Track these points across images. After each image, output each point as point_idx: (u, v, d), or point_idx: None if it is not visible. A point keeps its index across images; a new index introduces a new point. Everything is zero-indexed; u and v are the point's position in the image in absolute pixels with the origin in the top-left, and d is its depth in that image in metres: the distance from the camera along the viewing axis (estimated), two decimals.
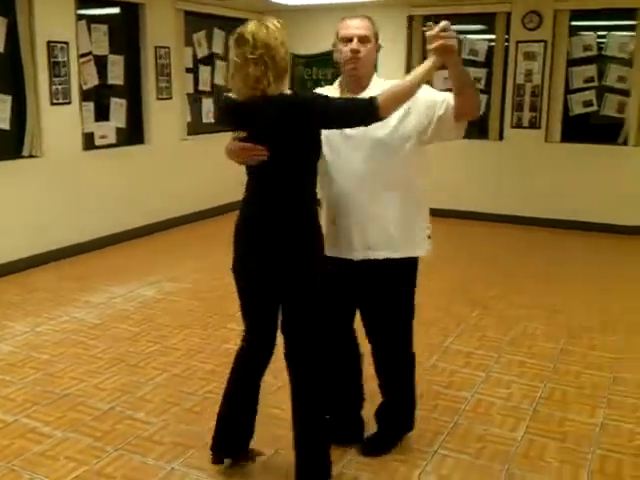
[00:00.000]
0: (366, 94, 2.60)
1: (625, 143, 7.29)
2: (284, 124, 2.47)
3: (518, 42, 7.50)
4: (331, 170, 2.73)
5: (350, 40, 2.67)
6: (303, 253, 2.59)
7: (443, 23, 2.43)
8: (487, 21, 7.75)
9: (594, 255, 6.56)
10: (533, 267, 6.09)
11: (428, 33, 2.43)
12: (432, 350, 4.16)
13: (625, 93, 7.25)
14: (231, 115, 2.70)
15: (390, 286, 2.83)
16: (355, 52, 2.66)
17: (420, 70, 2.46)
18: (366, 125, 2.52)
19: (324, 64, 8.46)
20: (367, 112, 2.44)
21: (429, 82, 2.71)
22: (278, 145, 2.51)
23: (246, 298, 2.73)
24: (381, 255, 2.77)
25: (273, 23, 2.49)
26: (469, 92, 2.55)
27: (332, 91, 2.77)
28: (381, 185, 2.73)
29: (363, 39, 2.67)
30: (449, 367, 3.94)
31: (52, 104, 5.94)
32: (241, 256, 2.66)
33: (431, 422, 3.31)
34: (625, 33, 7.26)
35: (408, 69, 8.06)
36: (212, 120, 8.20)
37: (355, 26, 2.68)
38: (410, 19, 7.98)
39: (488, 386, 3.70)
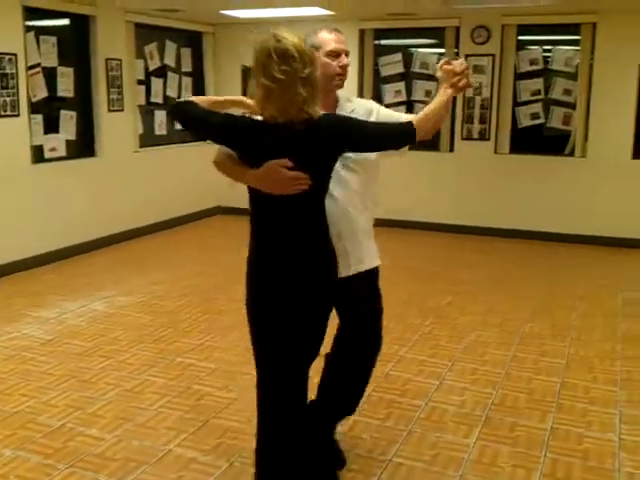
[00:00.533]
0: (341, 109, 2.66)
1: (572, 154, 7.49)
2: (329, 148, 2.37)
3: (467, 56, 7.63)
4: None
5: (338, 55, 2.68)
6: (328, 279, 2.50)
7: (465, 63, 2.54)
8: (437, 35, 7.90)
9: (544, 263, 6.70)
10: (486, 276, 6.20)
11: (450, 68, 2.51)
12: (387, 359, 4.17)
13: (571, 106, 7.46)
14: (264, 139, 2.33)
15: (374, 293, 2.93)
16: (345, 67, 2.69)
17: (444, 99, 2.49)
18: (399, 148, 2.53)
19: None
20: (405, 135, 2.44)
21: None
22: (318, 171, 2.37)
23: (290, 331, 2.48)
24: (368, 266, 2.83)
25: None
26: (443, 119, 2.58)
27: None
28: (368, 200, 2.81)
29: (347, 54, 2.73)
30: (403, 376, 3.98)
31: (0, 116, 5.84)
32: (275, 291, 2.44)
33: (385, 431, 3.33)
34: (570, 47, 7.47)
35: (360, 83, 8.17)
36: (164, 132, 8.16)
37: (341, 41, 2.71)
38: (362, 33, 8.07)
39: (442, 394, 3.74)
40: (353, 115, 2.56)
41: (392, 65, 8.13)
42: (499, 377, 3.97)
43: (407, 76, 8.10)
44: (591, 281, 6.04)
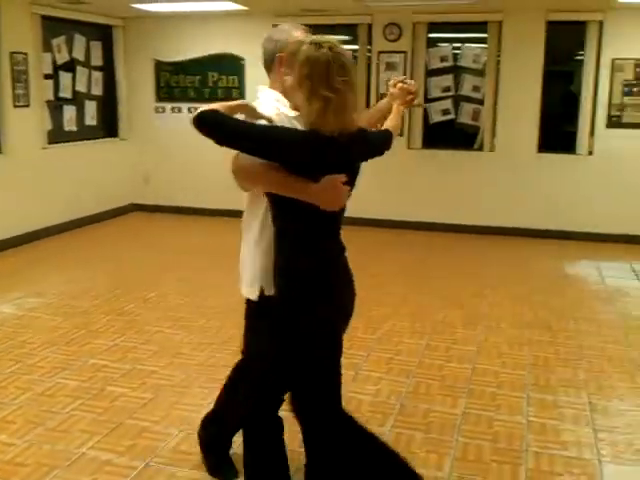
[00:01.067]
0: None
1: (481, 149, 7.74)
2: (364, 159, 2.39)
3: (380, 52, 7.78)
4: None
5: None
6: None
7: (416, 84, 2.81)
8: (350, 32, 7.98)
9: (456, 254, 6.90)
10: (399, 267, 6.33)
11: (406, 87, 2.75)
12: None
13: (479, 102, 7.70)
14: (323, 151, 2.20)
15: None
16: None
17: (400, 115, 2.69)
18: (382, 154, 2.56)
19: (191, 71, 8.40)
20: (389, 142, 2.54)
21: None
22: (353, 182, 2.34)
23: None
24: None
25: None
26: None
27: (284, 109, 2.36)
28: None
29: None
30: None
31: None
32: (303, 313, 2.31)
33: None
34: (478, 45, 7.70)
35: None
36: (74, 128, 7.92)
37: None
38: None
39: (357, 384, 3.81)
40: None
41: None
42: (413, 365, 4.07)
43: None
44: (500, 270, 6.27)
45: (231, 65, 8.29)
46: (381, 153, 2.54)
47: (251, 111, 2.30)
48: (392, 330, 4.68)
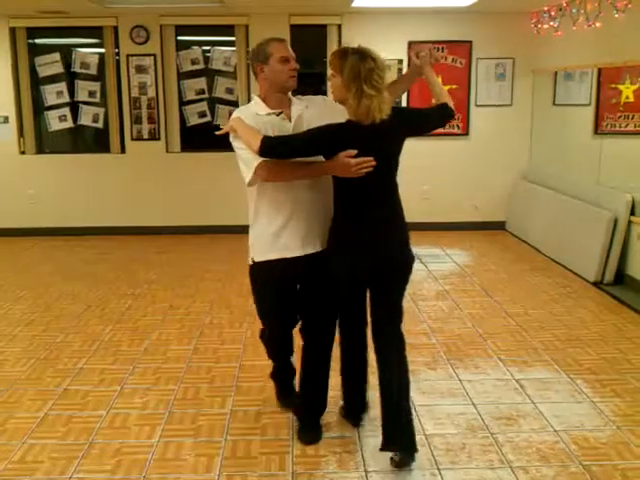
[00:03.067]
0: (295, 105, 3.11)
1: None
2: (397, 136, 2.99)
3: (129, 55, 7.57)
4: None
5: (288, 60, 3.05)
6: None
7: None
8: (97, 34, 7.68)
9: (222, 255, 6.93)
10: (166, 274, 6.23)
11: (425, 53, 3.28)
12: (64, 374, 3.99)
13: (234, 104, 7.82)
14: (358, 136, 2.85)
15: None
16: (295, 70, 3.08)
17: (434, 76, 3.30)
18: (444, 125, 3.22)
19: None
20: (450, 115, 3.12)
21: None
22: (390, 155, 2.99)
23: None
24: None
25: None
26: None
27: (256, 108, 3.08)
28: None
29: (295, 59, 3.11)
30: (83, 388, 3.83)
31: None
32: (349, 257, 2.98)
33: (64, 449, 3.17)
34: (228, 48, 7.81)
35: (17, 84, 7.65)
36: None
37: (288, 48, 3.10)
38: (12, 31, 7.53)
39: (124, 399, 3.68)
40: (309, 109, 3.11)
41: (50, 65, 7.72)
42: (181, 372, 4.03)
43: (68, 76, 7.76)
44: None
45: None
46: (438, 125, 3.17)
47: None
48: (159, 339, 4.59)
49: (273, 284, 3.21)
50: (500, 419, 3.42)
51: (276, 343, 3.53)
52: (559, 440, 3.21)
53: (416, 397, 3.66)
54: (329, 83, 3.15)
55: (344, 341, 3.30)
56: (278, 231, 3.10)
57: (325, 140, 2.85)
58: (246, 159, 2.96)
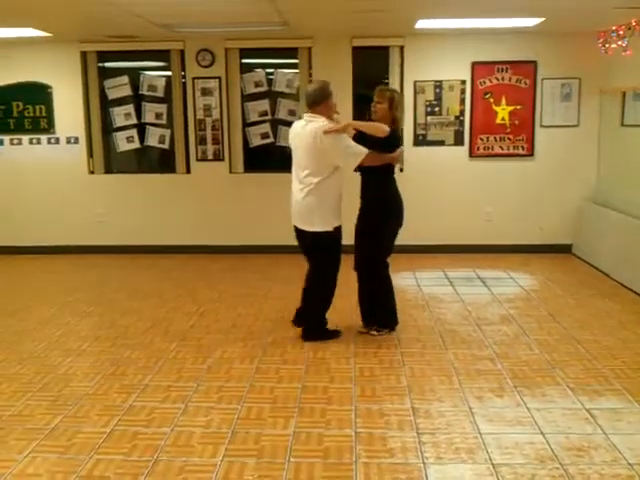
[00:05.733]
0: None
1: None
2: None
3: (194, 78, 7.75)
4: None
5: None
6: None
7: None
8: (163, 57, 7.88)
9: (286, 274, 6.96)
10: (229, 293, 6.29)
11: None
12: (130, 390, 4.06)
13: None
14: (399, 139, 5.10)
15: None
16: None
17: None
18: None
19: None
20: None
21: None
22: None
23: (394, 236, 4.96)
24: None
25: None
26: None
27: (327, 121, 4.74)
28: None
29: None
30: (148, 405, 3.88)
31: None
32: (401, 212, 4.91)
33: (129, 465, 3.20)
34: (290, 70, 7.90)
35: (87, 106, 7.90)
36: None
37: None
38: (84, 55, 7.80)
39: (187, 417, 3.71)
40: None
41: (119, 88, 7.95)
42: (244, 391, 4.04)
43: (136, 98, 7.98)
44: None
45: (37, 93, 7.89)
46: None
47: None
48: (222, 357, 4.62)
49: (341, 241, 4.82)
50: (570, 450, 3.31)
51: (334, 285, 4.90)
52: (634, 474, 3.08)
53: (482, 425, 3.57)
54: (373, 104, 4.84)
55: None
56: (339, 207, 4.77)
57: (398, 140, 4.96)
58: (355, 152, 4.57)
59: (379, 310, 5.07)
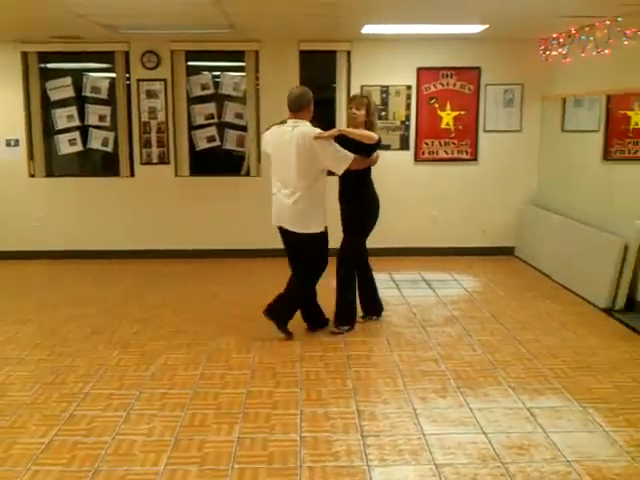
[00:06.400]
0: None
1: (248, 174, 7.89)
2: None
3: (139, 80, 7.64)
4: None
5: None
6: None
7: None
8: (108, 59, 7.74)
9: (229, 279, 6.91)
10: (174, 298, 6.21)
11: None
12: (70, 399, 3.96)
13: (243, 128, 7.86)
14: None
15: None
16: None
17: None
18: None
19: None
20: None
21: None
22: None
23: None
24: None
25: None
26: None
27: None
28: None
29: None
30: (89, 414, 3.79)
31: None
32: (378, 211, 5.21)
33: (67, 476, 3.12)
34: (237, 73, 7.86)
35: (28, 108, 7.71)
36: None
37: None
38: (24, 56, 7.60)
39: (129, 425, 3.64)
40: None
41: (62, 89, 7.78)
42: (187, 398, 3.99)
43: (79, 100, 7.83)
44: (272, 292, 6.34)
45: None
46: None
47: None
48: (166, 364, 4.55)
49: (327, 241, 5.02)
50: (511, 448, 3.36)
51: (318, 279, 5.10)
52: (572, 471, 3.15)
53: (426, 426, 3.61)
54: (352, 112, 5.08)
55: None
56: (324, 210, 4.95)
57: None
58: (344, 155, 4.76)
59: (346, 306, 5.26)
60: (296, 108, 4.85)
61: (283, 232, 5.05)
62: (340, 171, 4.84)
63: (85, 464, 3.23)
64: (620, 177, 6.41)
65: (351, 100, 5.23)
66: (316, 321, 5.26)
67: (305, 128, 4.79)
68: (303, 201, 4.81)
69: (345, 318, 5.22)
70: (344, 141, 4.81)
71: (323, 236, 4.95)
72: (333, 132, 4.77)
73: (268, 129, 5.17)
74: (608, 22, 5.79)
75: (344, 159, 4.78)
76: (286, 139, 4.81)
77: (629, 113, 6.72)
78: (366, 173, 5.10)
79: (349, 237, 5.18)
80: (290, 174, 4.82)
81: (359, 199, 5.14)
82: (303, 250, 5.00)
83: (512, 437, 3.48)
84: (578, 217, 6.55)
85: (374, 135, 4.89)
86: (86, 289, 6.61)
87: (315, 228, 4.88)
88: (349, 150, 4.81)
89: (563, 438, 3.46)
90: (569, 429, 3.58)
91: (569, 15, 5.75)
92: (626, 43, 5.51)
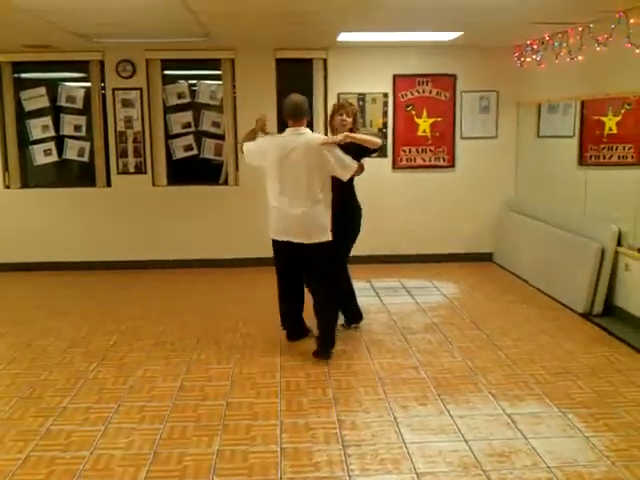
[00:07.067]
0: None
1: (226, 183, 7.86)
2: None
3: (114, 89, 7.58)
4: None
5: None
6: None
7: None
8: (83, 68, 7.68)
9: (207, 289, 6.88)
10: (152, 310, 6.15)
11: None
12: (47, 414, 3.90)
13: (220, 137, 7.83)
14: None
15: None
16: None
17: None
18: None
19: None
20: None
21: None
22: None
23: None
24: None
25: None
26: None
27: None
28: None
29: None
30: (66, 428, 3.73)
31: None
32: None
33: None
34: (213, 82, 7.84)
35: (2, 118, 7.61)
36: None
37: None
38: None
39: (107, 439, 3.59)
40: None
41: (36, 99, 7.70)
42: (167, 410, 3.94)
43: (54, 110, 7.75)
44: (251, 301, 6.35)
45: None
46: None
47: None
48: (144, 376, 4.50)
49: None
50: (492, 455, 3.37)
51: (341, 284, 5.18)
52: (552, 477, 3.16)
53: (407, 434, 3.60)
54: (343, 119, 5.02)
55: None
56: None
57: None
58: (350, 162, 4.74)
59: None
60: (298, 115, 4.72)
61: (287, 246, 4.81)
62: (347, 177, 4.78)
63: None
64: (595, 182, 6.47)
65: (340, 107, 5.10)
66: (298, 330, 5.20)
67: (310, 135, 4.76)
68: (318, 209, 4.70)
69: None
70: (345, 148, 4.75)
71: (331, 243, 4.81)
72: (341, 138, 4.68)
73: (247, 141, 5.02)
74: (580, 29, 5.86)
75: (351, 165, 4.75)
76: (291, 148, 4.66)
77: (603, 119, 6.79)
78: (352, 181, 5.04)
79: (336, 246, 4.97)
80: (299, 183, 4.66)
81: (348, 207, 5.08)
82: (314, 262, 4.81)
83: (493, 444, 3.48)
84: (555, 222, 6.60)
85: (378, 140, 4.86)
86: (62, 301, 6.53)
87: (327, 236, 4.76)
88: (351, 156, 4.78)
89: (543, 444, 3.47)
90: (549, 435, 3.59)
91: (542, 22, 5.81)
92: (598, 49, 5.58)
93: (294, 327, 5.17)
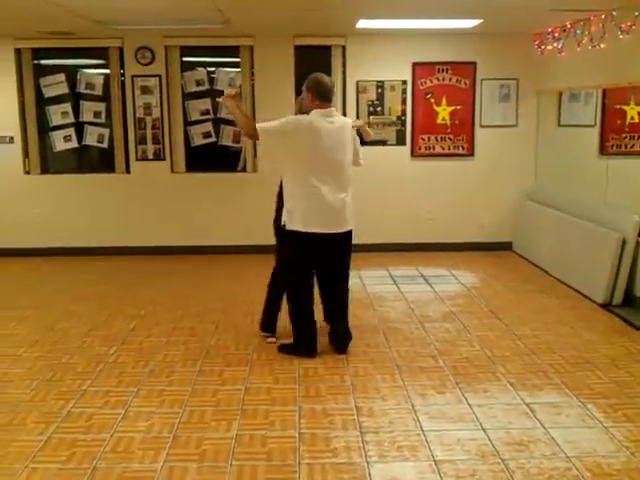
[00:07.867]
0: None
1: (244, 170, 7.87)
2: None
3: (133, 76, 7.60)
4: None
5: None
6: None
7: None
8: (102, 55, 7.71)
9: (225, 275, 6.90)
10: (170, 295, 6.19)
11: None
12: (68, 397, 3.94)
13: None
14: None
15: None
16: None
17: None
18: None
19: None
20: None
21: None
22: None
23: None
24: None
25: None
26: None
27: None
28: None
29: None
30: (87, 411, 3.77)
31: None
32: None
33: (65, 474, 3.10)
34: (232, 69, 7.83)
35: (22, 105, 7.68)
36: None
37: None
38: (18, 52, 7.56)
39: (127, 422, 3.62)
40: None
41: (55, 86, 7.74)
42: (186, 394, 3.97)
43: (73, 97, 7.79)
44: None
45: None
46: None
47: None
48: (164, 361, 4.53)
49: None
50: (511, 444, 3.36)
51: None
52: (572, 467, 3.14)
53: (424, 422, 3.60)
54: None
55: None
56: None
57: None
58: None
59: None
60: (331, 96, 4.49)
61: (329, 238, 4.43)
62: (361, 165, 4.76)
63: (83, 462, 3.21)
64: (617, 171, 6.41)
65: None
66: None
67: (342, 117, 4.73)
68: (350, 194, 4.54)
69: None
70: None
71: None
72: (364, 123, 4.99)
73: (249, 121, 4.40)
74: (603, 16, 5.78)
75: (361, 152, 4.74)
76: (335, 128, 4.40)
77: (625, 107, 6.73)
78: None
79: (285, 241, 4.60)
80: (342, 165, 4.44)
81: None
82: (345, 251, 4.64)
83: (511, 433, 3.48)
84: (575, 212, 6.54)
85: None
86: (82, 286, 6.59)
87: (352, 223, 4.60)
88: None
89: (562, 434, 3.46)
90: (568, 425, 3.58)
91: (564, 9, 5.74)
92: (621, 37, 5.50)
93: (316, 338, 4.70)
